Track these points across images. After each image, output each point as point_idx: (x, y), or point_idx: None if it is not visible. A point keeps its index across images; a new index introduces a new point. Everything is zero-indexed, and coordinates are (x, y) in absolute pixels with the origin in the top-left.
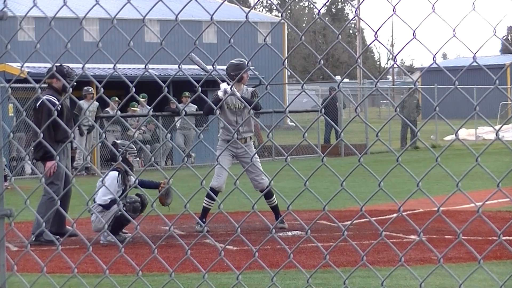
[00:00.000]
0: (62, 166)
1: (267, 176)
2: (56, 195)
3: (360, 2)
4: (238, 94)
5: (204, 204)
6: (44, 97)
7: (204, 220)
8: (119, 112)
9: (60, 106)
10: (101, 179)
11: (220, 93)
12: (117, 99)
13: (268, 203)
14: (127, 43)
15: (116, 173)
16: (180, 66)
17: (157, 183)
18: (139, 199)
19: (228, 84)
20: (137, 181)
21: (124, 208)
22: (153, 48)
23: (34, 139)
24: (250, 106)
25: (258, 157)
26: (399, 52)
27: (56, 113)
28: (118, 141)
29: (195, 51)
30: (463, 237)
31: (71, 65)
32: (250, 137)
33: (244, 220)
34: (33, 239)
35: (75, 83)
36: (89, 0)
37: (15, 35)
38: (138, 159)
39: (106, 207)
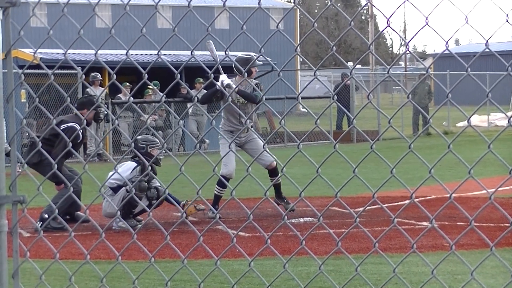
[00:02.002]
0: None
1: (272, 156)
2: (74, 190)
3: None
4: (236, 88)
5: (215, 192)
6: (71, 124)
7: (216, 207)
8: (131, 98)
9: (81, 136)
10: (118, 165)
11: (218, 85)
12: (128, 84)
13: (271, 180)
14: (139, 29)
15: (135, 164)
16: (192, 53)
17: (179, 202)
18: (146, 180)
19: (229, 77)
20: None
21: (129, 189)
22: (165, 34)
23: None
24: (251, 100)
25: (259, 137)
26: (411, 39)
27: (70, 144)
28: (139, 137)
29: (207, 37)
30: (475, 224)
31: (83, 51)
32: (252, 125)
33: (256, 207)
34: (39, 224)
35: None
36: None
37: (26, 21)
38: (163, 150)
39: (114, 190)
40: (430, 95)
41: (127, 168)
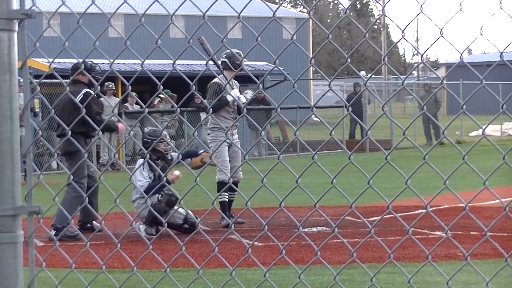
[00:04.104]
0: (88, 162)
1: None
2: (82, 190)
3: (386, 2)
4: (243, 99)
5: (220, 200)
6: (85, 90)
7: (227, 214)
8: (142, 108)
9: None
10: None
11: (229, 98)
12: (134, 94)
13: (229, 195)
14: (152, 38)
15: (141, 160)
16: (207, 64)
17: (197, 152)
18: (176, 195)
19: (224, 70)
20: (180, 156)
21: (160, 199)
22: (178, 44)
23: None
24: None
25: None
26: (426, 51)
27: (85, 108)
28: (146, 130)
29: (221, 48)
30: (489, 234)
31: (96, 61)
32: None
33: (271, 217)
34: (53, 232)
35: (100, 77)
36: None
37: (42, 33)
38: (172, 144)
39: (146, 190)
40: (437, 104)
41: (137, 171)
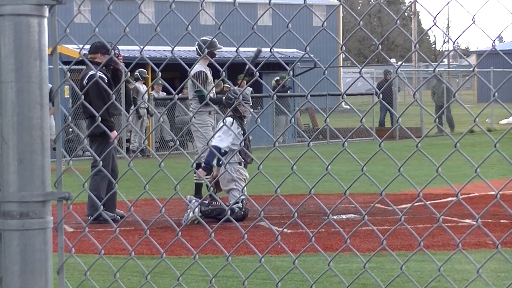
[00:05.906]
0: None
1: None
2: (105, 174)
3: None
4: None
5: (198, 182)
6: (91, 72)
7: (199, 196)
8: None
9: (107, 79)
10: (220, 122)
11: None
12: (160, 82)
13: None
14: (182, 25)
15: (231, 119)
16: (238, 50)
17: None
18: (244, 211)
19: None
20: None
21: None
22: (208, 31)
23: (86, 116)
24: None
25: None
26: (457, 38)
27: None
28: (231, 89)
29: (252, 35)
30: None
31: (127, 47)
32: None
33: (301, 205)
34: (90, 218)
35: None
36: None
37: (72, 19)
38: (252, 109)
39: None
40: (449, 93)
41: (225, 127)
